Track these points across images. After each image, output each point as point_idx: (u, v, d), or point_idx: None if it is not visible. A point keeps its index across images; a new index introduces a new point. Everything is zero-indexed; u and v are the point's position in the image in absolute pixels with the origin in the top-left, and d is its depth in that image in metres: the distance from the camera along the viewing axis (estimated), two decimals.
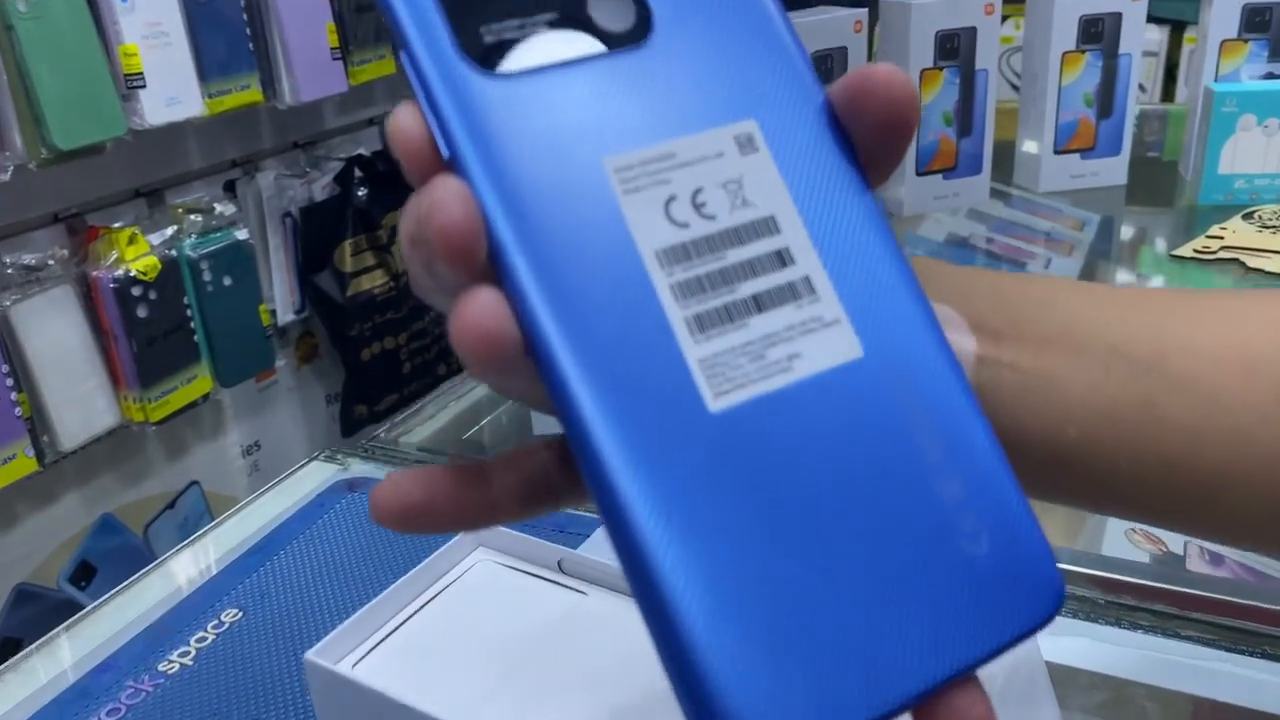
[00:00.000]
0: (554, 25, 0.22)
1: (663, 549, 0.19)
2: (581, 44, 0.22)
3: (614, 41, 0.22)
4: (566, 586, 0.47)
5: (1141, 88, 2.52)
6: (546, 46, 0.22)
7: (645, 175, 0.21)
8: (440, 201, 0.20)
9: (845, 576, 0.20)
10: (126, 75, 1.27)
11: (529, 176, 0.21)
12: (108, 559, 1.50)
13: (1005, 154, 1.27)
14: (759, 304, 0.21)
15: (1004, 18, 1.18)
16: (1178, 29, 2.50)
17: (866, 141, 0.24)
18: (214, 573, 0.62)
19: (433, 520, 0.23)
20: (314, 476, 0.71)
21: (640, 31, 0.22)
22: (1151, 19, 2.57)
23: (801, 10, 1.08)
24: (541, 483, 0.24)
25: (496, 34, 0.22)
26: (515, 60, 0.21)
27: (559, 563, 0.48)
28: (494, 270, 0.21)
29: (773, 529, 0.20)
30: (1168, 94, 2.51)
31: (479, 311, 0.20)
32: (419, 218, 0.20)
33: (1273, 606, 0.53)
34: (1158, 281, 1.07)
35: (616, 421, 0.20)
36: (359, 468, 0.71)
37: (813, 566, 0.20)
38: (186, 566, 0.65)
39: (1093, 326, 0.28)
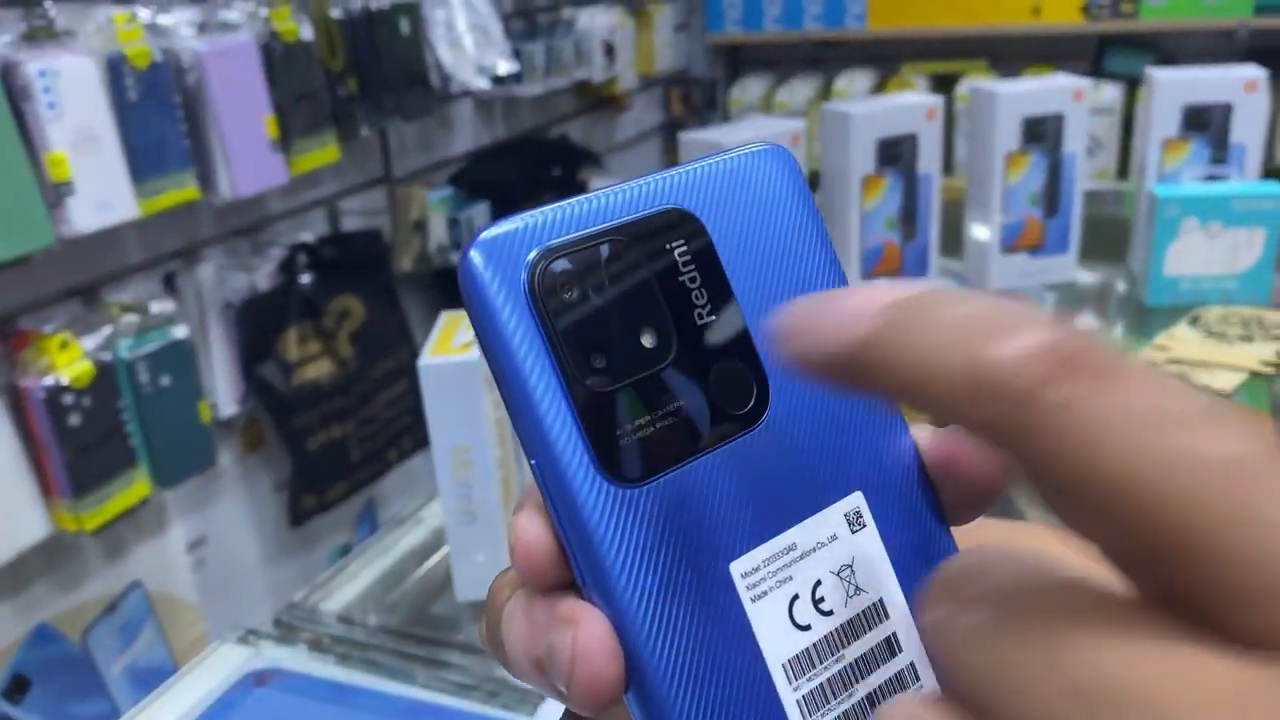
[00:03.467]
0: (682, 417, 0.21)
1: None
2: (707, 432, 0.22)
3: (735, 424, 0.22)
4: None
5: (1097, 142, 2.54)
6: (676, 443, 0.21)
7: (769, 576, 0.21)
8: (587, 652, 0.19)
9: None
10: (55, 183, 1.24)
11: (664, 597, 0.20)
12: (44, 670, 1.45)
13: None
14: (873, 702, 0.22)
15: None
16: (1132, 85, 2.53)
17: (952, 498, 0.24)
18: None
19: None
20: (224, 663, 0.67)
21: (759, 405, 0.22)
22: (1106, 75, 2.62)
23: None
24: None
25: (629, 438, 0.21)
26: (647, 463, 0.21)
27: None
28: (628, 694, 0.20)
29: None
30: (1125, 147, 2.53)
31: None
32: (552, 651, 0.20)
33: None
34: None
35: None
36: (270, 653, 0.68)
37: None
38: None
39: None
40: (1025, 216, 1.20)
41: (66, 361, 1.33)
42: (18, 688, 1.42)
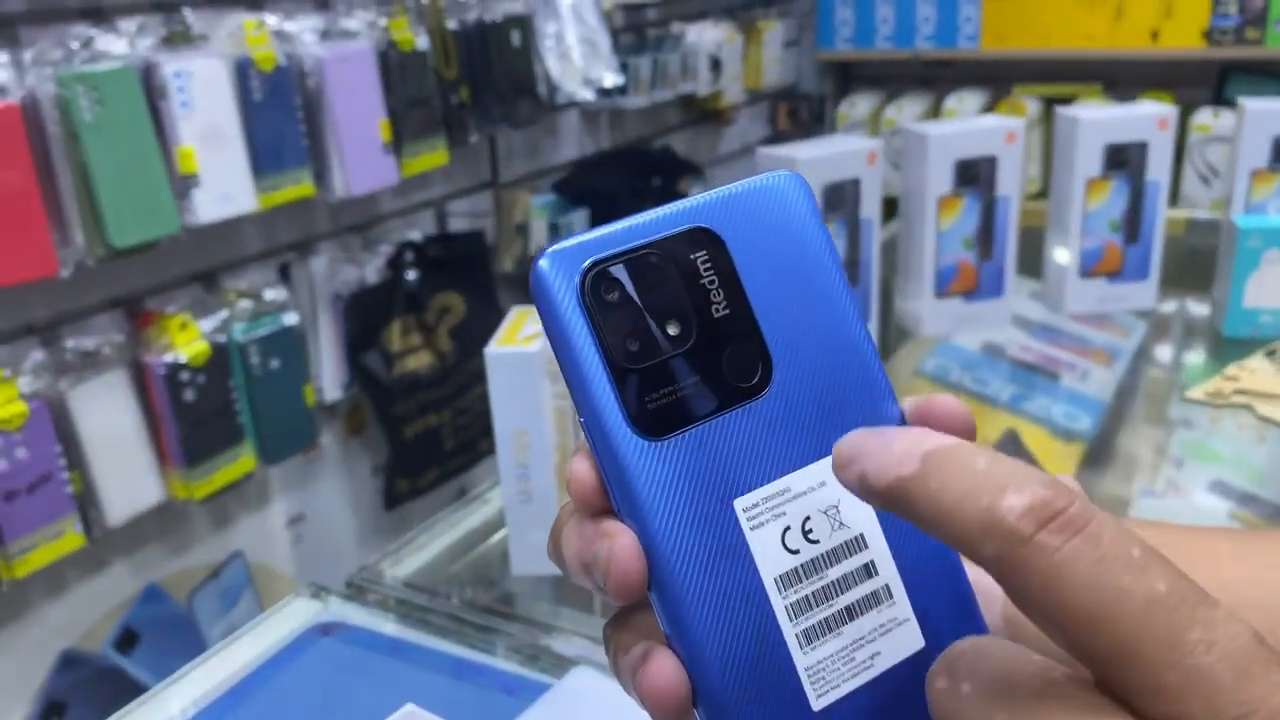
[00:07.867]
0: (698, 388, 0.28)
1: None
2: (718, 400, 0.28)
3: (743, 394, 0.28)
4: None
5: (1214, 170, 2.48)
6: (693, 408, 0.27)
7: (767, 511, 0.27)
8: (618, 557, 0.26)
9: None
10: (182, 175, 1.34)
11: (679, 522, 0.27)
12: (151, 626, 1.56)
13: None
14: (850, 614, 0.27)
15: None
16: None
17: None
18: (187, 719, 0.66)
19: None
20: (296, 615, 0.74)
21: (763, 380, 0.28)
22: (1227, 103, 2.54)
23: (816, 140, 1.10)
24: None
25: (655, 403, 0.27)
26: (668, 423, 0.27)
27: None
28: (650, 592, 0.27)
29: None
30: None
31: (663, 676, 0.26)
32: (595, 557, 0.27)
33: None
34: (1174, 415, 1.05)
35: None
36: (338, 608, 0.75)
37: None
38: (165, 707, 0.68)
39: None
40: (1105, 242, 1.21)
41: (185, 341, 1.43)
42: (128, 641, 1.54)
